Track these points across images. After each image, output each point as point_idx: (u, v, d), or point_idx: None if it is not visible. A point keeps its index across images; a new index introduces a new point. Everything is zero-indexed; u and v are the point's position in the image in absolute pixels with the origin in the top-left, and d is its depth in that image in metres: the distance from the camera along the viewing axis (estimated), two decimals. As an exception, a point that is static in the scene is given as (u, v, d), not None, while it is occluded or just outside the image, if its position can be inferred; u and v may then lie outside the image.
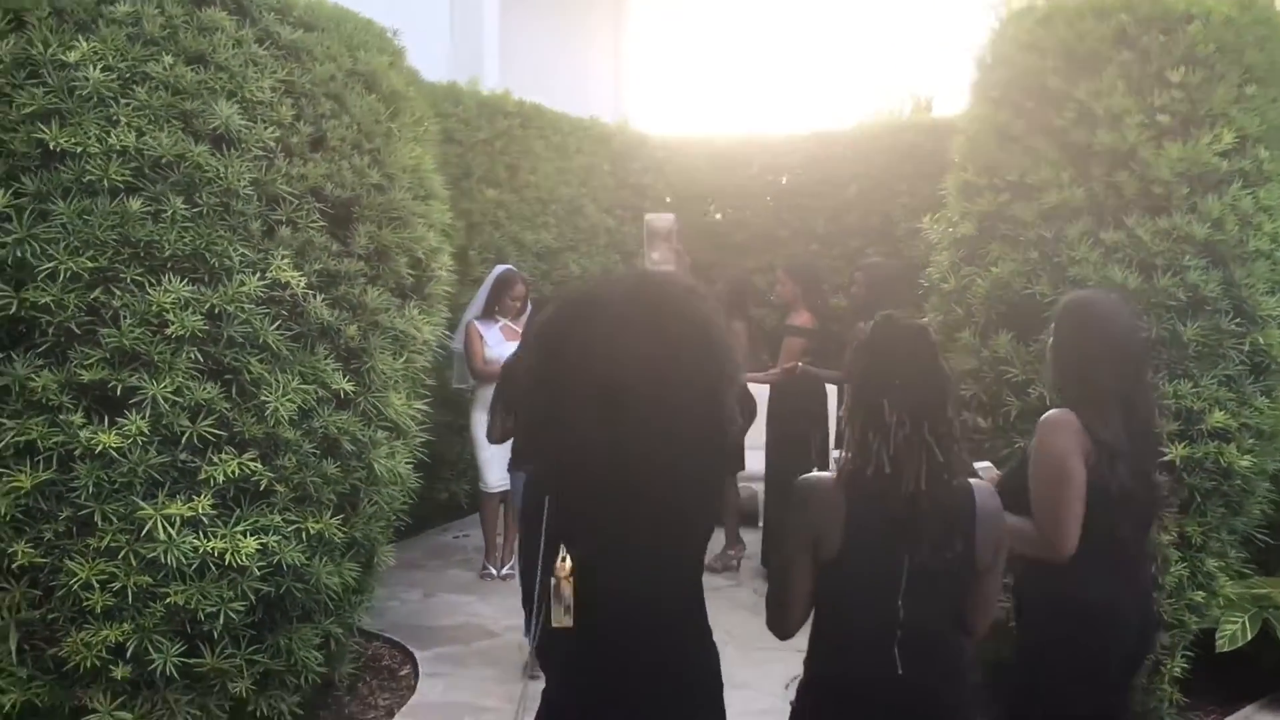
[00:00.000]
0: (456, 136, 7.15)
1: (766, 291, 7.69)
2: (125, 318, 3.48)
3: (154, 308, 3.50)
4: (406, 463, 4.30)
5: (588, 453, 1.83)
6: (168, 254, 3.55)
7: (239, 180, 3.70)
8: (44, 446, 3.40)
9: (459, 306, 6.24)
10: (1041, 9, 4.32)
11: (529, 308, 6.20)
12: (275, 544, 3.68)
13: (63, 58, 3.52)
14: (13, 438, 3.38)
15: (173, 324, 3.51)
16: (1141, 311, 3.82)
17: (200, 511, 3.53)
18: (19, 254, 3.38)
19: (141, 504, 3.47)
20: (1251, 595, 4.35)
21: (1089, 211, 3.99)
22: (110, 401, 3.48)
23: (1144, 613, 2.82)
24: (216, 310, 3.61)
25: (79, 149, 3.48)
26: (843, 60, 13.86)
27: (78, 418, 3.43)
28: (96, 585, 3.43)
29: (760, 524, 6.75)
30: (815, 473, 2.28)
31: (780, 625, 2.27)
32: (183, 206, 3.58)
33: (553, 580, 1.83)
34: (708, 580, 6.16)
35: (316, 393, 3.85)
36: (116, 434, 3.43)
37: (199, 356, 3.57)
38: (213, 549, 3.53)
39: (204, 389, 3.56)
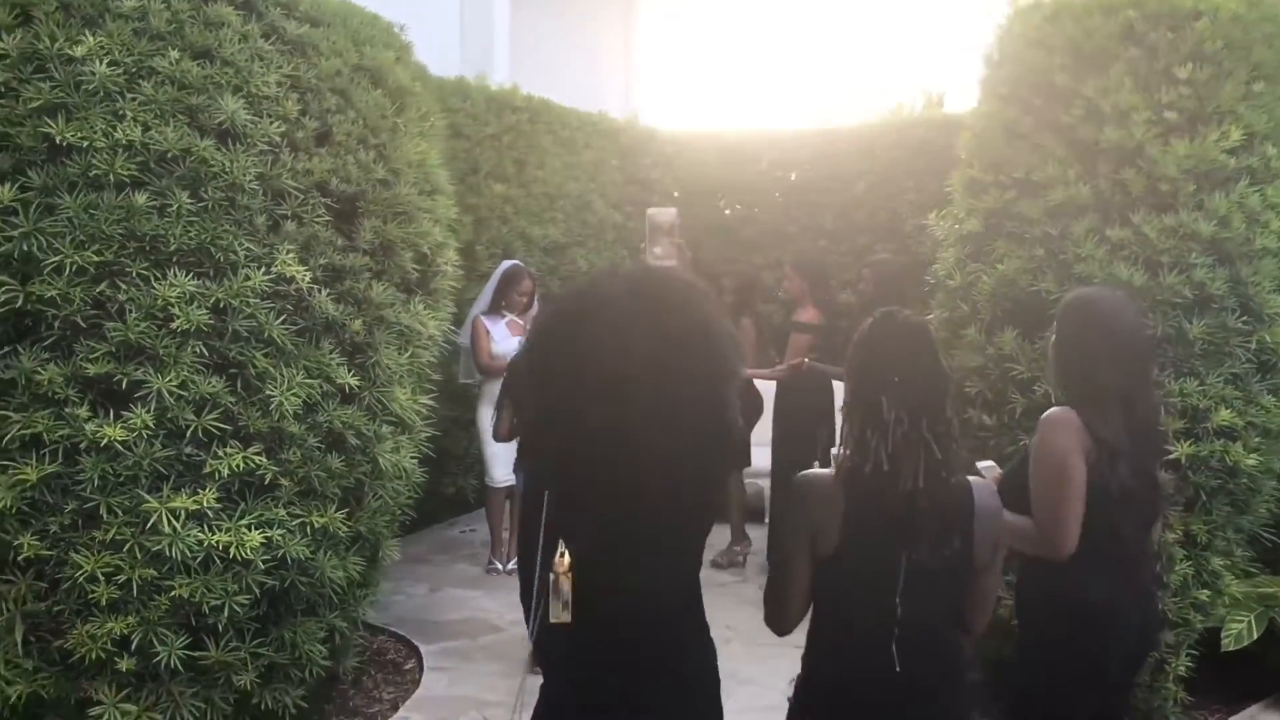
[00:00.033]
0: (464, 131, 7.15)
1: (774, 287, 7.68)
2: (131, 312, 3.49)
3: (159, 302, 3.51)
4: (411, 457, 4.31)
5: (588, 448, 1.83)
6: (173, 248, 3.56)
7: (244, 175, 3.71)
8: (50, 439, 3.41)
9: (466, 302, 6.25)
10: (1049, 6, 4.30)
11: (535, 303, 6.22)
12: (280, 538, 3.69)
13: (69, 52, 3.52)
14: (19, 431, 3.39)
15: (178, 318, 3.52)
16: (1147, 309, 3.81)
17: (205, 505, 3.54)
18: (25, 248, 3.39)
19: (146, 497, 3.48)
20: (1257, 594, 4.33)
21: (1095, 208, 3.98)
22: (116, 395, 3.49)
23: (1145, 612, 2.80)
24: (221, 305, 3.62)
25: (85, 143, 3.48)
26: (853, 56, 13.82)
27: (83, 411, 3.44)
28: (102, 578, 3.44)
29: (766, 520, 6.74)
30: (814, 469, 2.28)
31: (777, 621, 2.27)
32: (188, 201, 3.59)
33: (551, 576, 1.83)
34: (714, 576, 6.18)
35: (321, 387, 3.86)
36: (122, 427, 3.44)
37: (204, 351, 3.58)
38: (217, 542, 3.54)
39: (209, 383, 3.57)
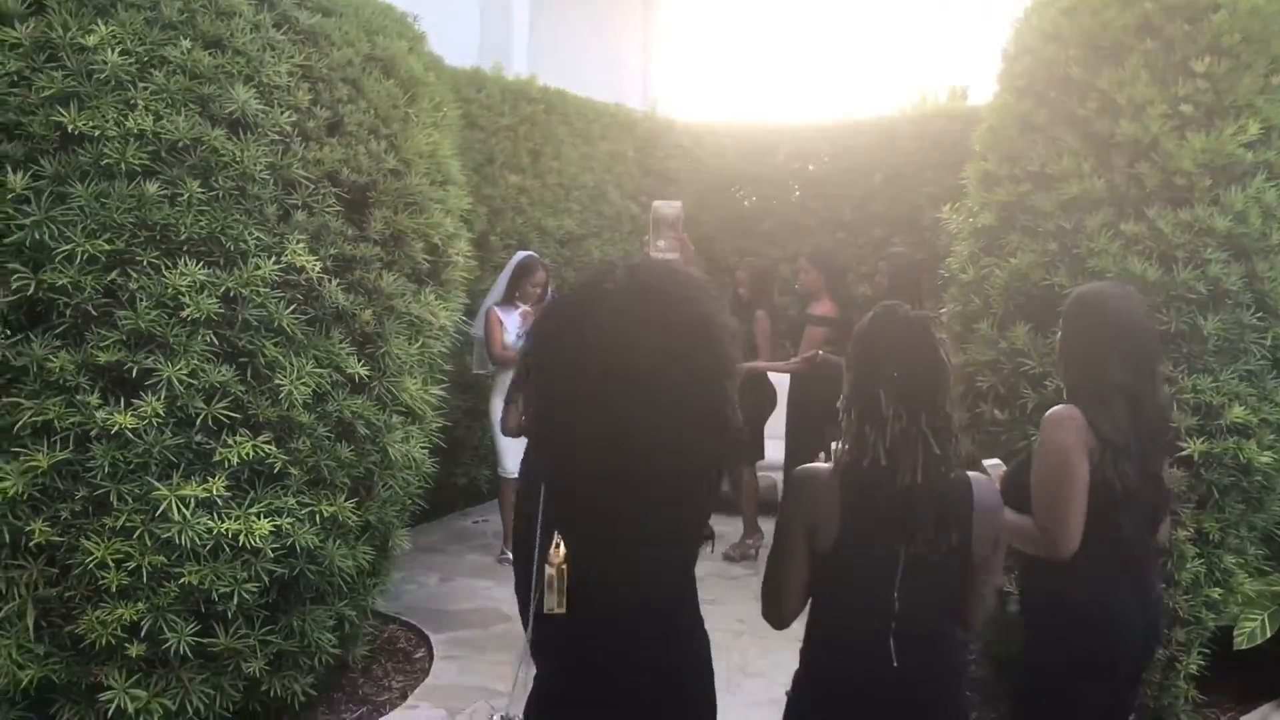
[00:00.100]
0: (479, 122, 7.15)
1: (791, 280, 7.66)
2: (141, 300, 3.51)
3: (170, 290, 3.53)
4: (422, 447, 4.33)
5: (587, 441, 1.83)
6: (184, 237, 3.58)
7: (255, 164, 3.72)
8: (61, 427, 3.44)
9: (480, 293, 6.26)
10: (1066, -1, 4.26)
11: (550, 294, 6.21)
12: (289, 526, 3.71)
13: (82, 41, 3.54)
14: (30, 418, 3.42)
15: (188, 307, 3.54)
16: (1161, 304, 3.78)
17: (215, 493, 3.57)
18: (37, 236, 3.42)
19: (157, 485, 3.51)
20: (1271, 592, 4.29)
21: (1109, 203, 3.94)
22: (126, 383, 3.52)
23: (1149, 613, 2.76)
24: (232, 294, 3.64)
25: (97, 132, 3.50)
26: (875, 49, 13.73)
27: (94, 399, 3.47)
28: (112, 564, 3.48)
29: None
30: (813, 463, 2.27)
31: (775, 615, 2.26)
32: (199, 190, 3.61)
33: (546, 567, 1.83)
34: (726, 569, 6.17)
35: (331, 377, 3.87)
36: (132, 415, 3.47)
37: (214, 339, 3.60)
38: (227, 530, 3.57)
39: (219, 372, 3.59)
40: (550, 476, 1.89)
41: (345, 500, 3.93)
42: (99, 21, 3.59)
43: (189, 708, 3.71)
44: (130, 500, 3.49)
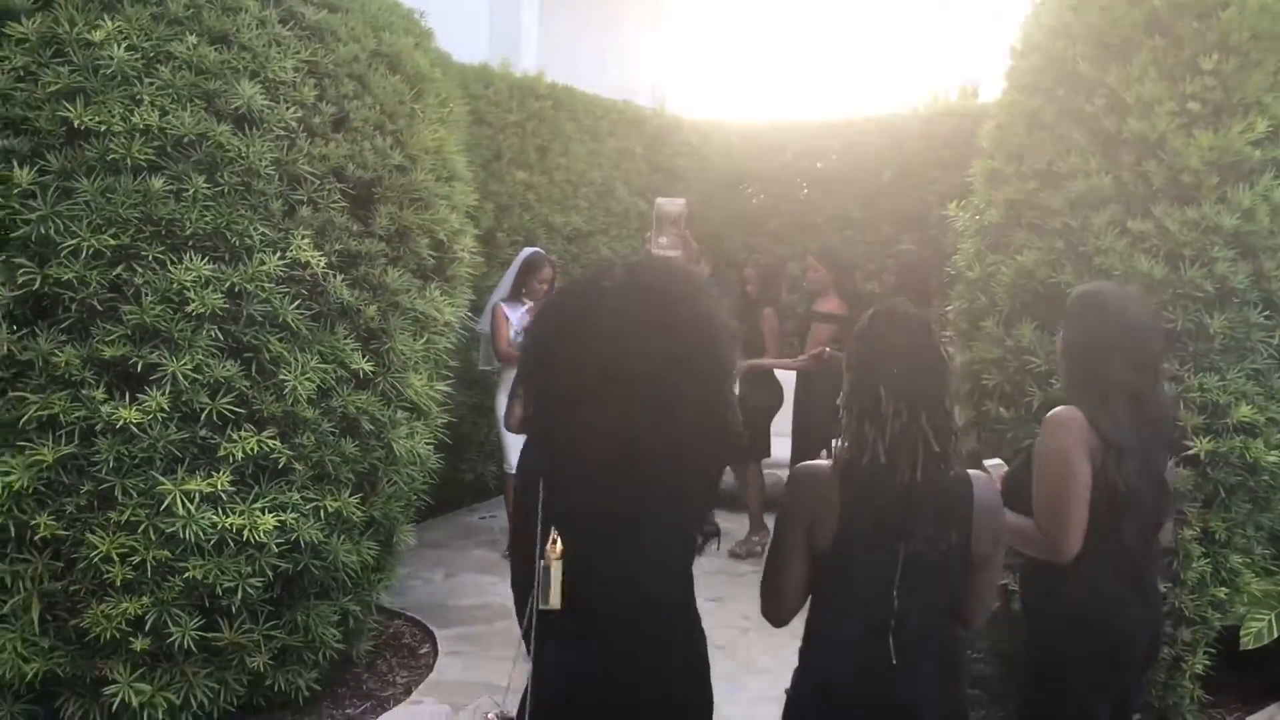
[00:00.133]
0: (487, 118, 7.16)
1: (799, 278, 7.65)
2: (147, 295, 3.52)
3: (175, 285, 3.54)
4: (427, 443, 4.33)
5: (585, 439, 1.83)
6: (189, 232, 3.59)
7: (260, 160, 3.73)
8: (66, 421, 3.46)
9: (486, 289, 6.27)
10: (1074, -6, 4.24)
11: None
12: (293, 521, 3.72)
13: (88, 37, 3.55)
14: (35, 412, 3.44)
15: (193, 302, 3.54)
16: (1168, 302, 3.75)
17: (219, 488, 3.58)
18: (43, 230, 3.43)
19: (161, 479, 3.52)
20: (1277, 592, 4.27)
21: (1116, 200, 3.92)
22: (131, 378, 3.53)
23: (1150, 616, 2.73)
24: (237, 289, 3.64)
25: (103, 127, 3.52)
26: (882, 46, 13.69)
27: (99, 393, 3.48)
28: (116, 558, 3.49)
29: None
30: (812, 461, 2.27)
31: (774, 612, 2.26)
32: (204, 185, 3.61)
33: (542, 563, 1.83)
34: (732, 566, 6.16)
35: (336, 372, 3.88)
36: (137, 410, 3.48)
37: (219, 334, 3.61)
38: (231, 525, 3.58)
39: (224, 367, 3.60)
40: (548, 474, 1.89)
41: (350, 496, 3.93)
42: (105, 17, 3.60)
43: (193, 702, 3.72)
44: (135, 495, 3.51)
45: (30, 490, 3.44)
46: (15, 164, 3.46)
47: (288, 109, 3.85)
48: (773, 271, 7.06)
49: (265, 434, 3.68)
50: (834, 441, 2.22)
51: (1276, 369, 3.83)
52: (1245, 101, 3.84)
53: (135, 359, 3.50)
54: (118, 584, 3.51)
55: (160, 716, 3.67)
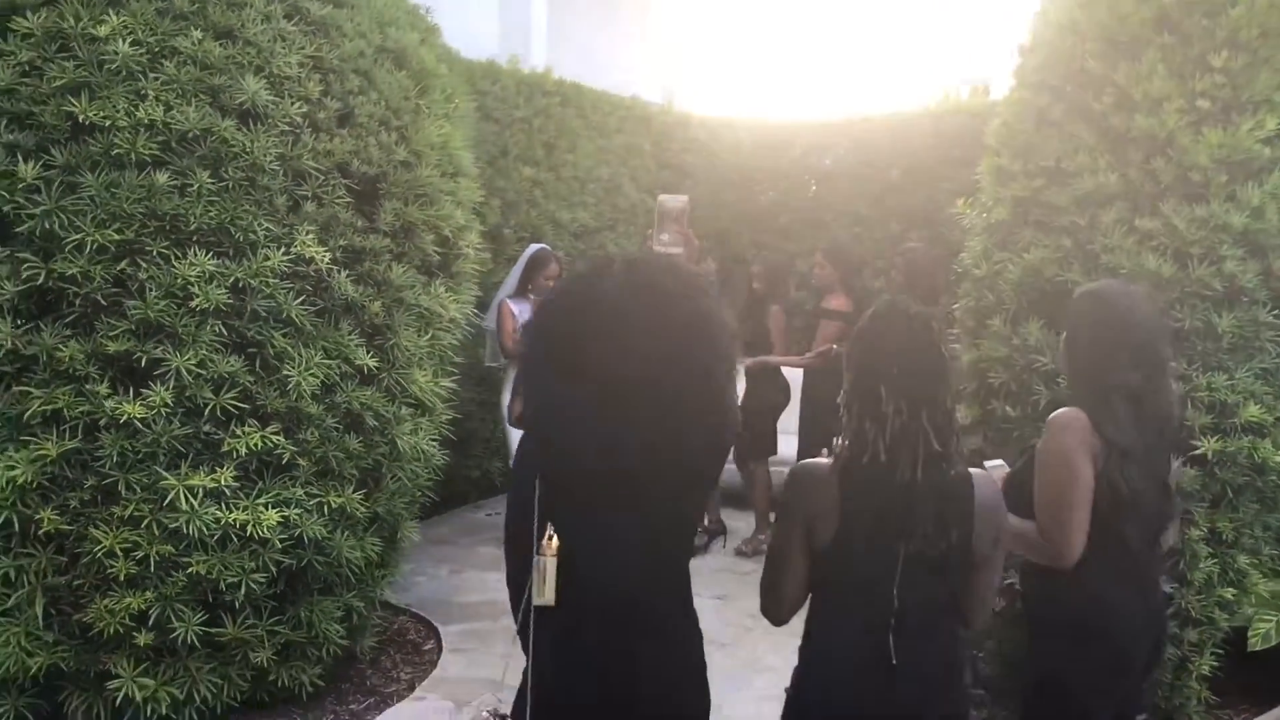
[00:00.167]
0: (494, 115, 7.15)
1: (807, 274, 7.63)
2: (151, 290, 3.52)
3: (179, 281, 3.54)
4: (432, 440, 4.33)
5: (582, 440, 1.81)
6: (193, 227, 3.59)
7: (265, 155, 3.73)
8: (70, 415, 3.47)
9: (493, 285, 6.26)
10: (1082, -10, 4.21)
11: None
12: (297, 517, 3.72)
13: (93, 32, 3.56)
14: (39, 406, 3.44)
15: (197, 297, 3.55)
16: (1175, 301, 3.73)
17: (222, 483, 3.58)
18: (47, 225, 3.44)
19: (165, 474, 3.52)
20: (1286, 593, 4.24)
21: (1124, 198, 3.89)
22: (135, 372, 3.53)
23: (1153, 620, 2.70)
24: (241, 284, 3.64)
25: (107, 122, 3.52)
26: (893, 44, 13.67)
27: (103, 388, 3.48)
28: (120, 553, 3.50)
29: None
30: (812, 458, 2.25)
31: (773, 611, 2.25)
32: (209, 181, 3.61)
33: (538, 558, 1.82)
34: (738, 564, 6.14)
35: (340, 368, 3.88)
36: (141, 405, 3.49)
37: (223, 330, 3.61)
38: (234, 520, 3.58)
39: (227, 362, 3.60)
40: (544, 470, 1.88)
41: (353, 492, 3.94)
42: (110, 12, 3.60)
43: (196, 697, 3.74)
44: (138, 489, 3.51)
45: (34, 485, 3.45)
46: (20, 159, 3.46)
47: (292, 104, 3.84)
48: (780, 268, 7.04)
49: (269, 429, 3.69)
50: (835, 439, 2.20)
51: (1286, 368, 3.80)
52: (1254, 99, 3.81)
53: (139, 354, 3.50)
54: (121, 579, 3.52)
55: (163, 711, 3.68)
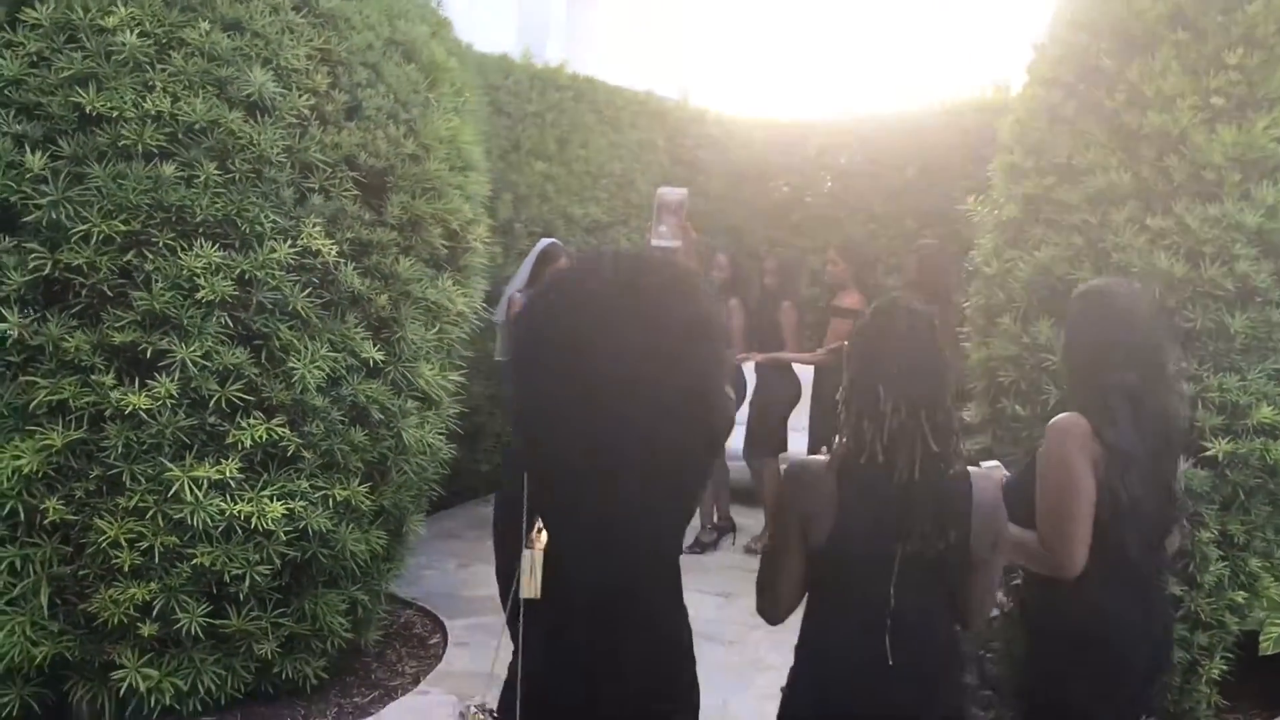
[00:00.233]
0: (506, 109, 7.14)
1: (821, 271, 7.60)
2: (157, 281, 3.53)
3: (185, 272, 3.55)
4: (438, 433, 4.32)
5: (568, 438, 1.80)
6: (199, 219, 3.59)
7: (272, 147, 3.73)
8: (75, 406, 3.48)
9: (504, 280, 6.25)
10: (1098, -14, 4.16)
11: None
12: (302, 509, 3.72)
13: (101, 23, 3.56)
14: (45, 396, 3.45)
15: (203, 289, 3.55)
16: (1187, 301, 3.69)
17: (227, 475, 3.59)
18: (54, 216, 3.45)
19: (169, 465, 3.53)
20: (1298, 597, 4.20)
21: (1136, 196, 3.84)
22: (141, 363, 3.54)
23: (1155, 629, 2.63)
24: (247, 276, 3.65)
25: (115, 113, 3.53)
26: (911, 44, 13.62)
27: (109, 379, 3.49)
28: (125, 544, 3.51)
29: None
30: (808, 455, 2.23)
31: (769, 610, 2.22)
32: (215, 172, 3.62)
33: (526, 551, 1.81)
34: (746, 562, 6.10)
35: (346, 361, 3.88)
36: (146, 396, 3.49)
37: (229, 321, 3.62)
38: (239, 512, 3.59)
39: (233, 354, 3.61)
40: (532, 469, 1.86)
41: (359, 485, 3.93)
42: (118, 3, 3.61)
43: (200, 688, 3.75)
44: (143, 480, 3.52)
45: (40, 475, 3.46)
46: (28, 149, 3.48)
47: (300, 96, 3.84)
48: (793, 265, 7.01)
49: (274, 422, 3.69)
50: (835, 437, 2.18)
51: (1299, 370, 3.75)
52: (1270, 96, 3.76)
53: (145, 345, 3.51)
54: (126, 569, 3.53)
55: (167, 702, 3.70)
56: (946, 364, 2.12)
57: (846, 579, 2.11)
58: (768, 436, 6.44)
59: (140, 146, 3.53)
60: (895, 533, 2.05)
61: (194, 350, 3.53)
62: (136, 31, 3.58)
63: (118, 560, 3.51)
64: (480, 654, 4.77)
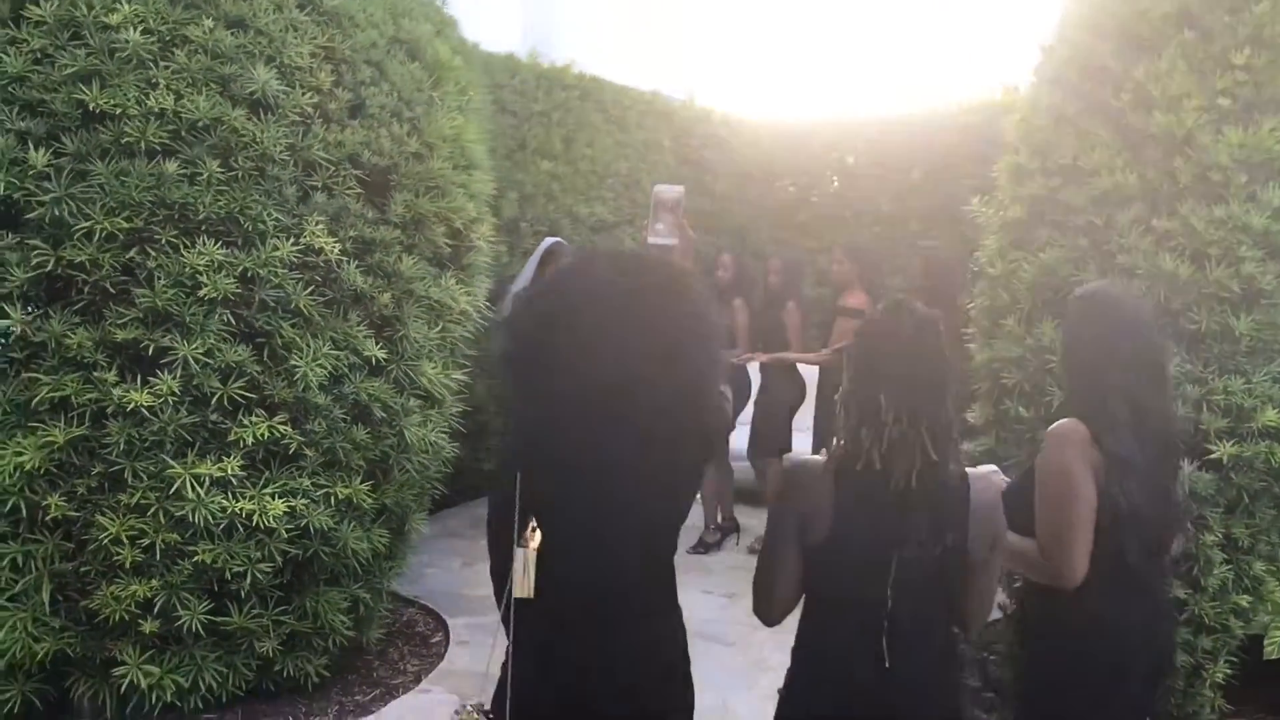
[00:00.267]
0: (511, 108, 7.14)
1: (826, 271, 7.58)
2: (159, 278, 3.53)
3: (188, 269, 3.55)
4: (441, 432, 4.31)
5: (561, 438, 1.79)
6: (202, 216, 3.59)
7: (275, 145, 3.73)
8: (78, 403, 3.48)
9: (509, 279, 6.25)
10: (1104, -13, 4.14)
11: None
12: (303, 507, 3.72)
13: (105, 20, 3.56)
14: (47, 393, 3.46)
15: (206, 286, 3.55)
16: (1192, 303, 3.67)
17: (229, 472, 3.59)
18: (57, 213, 3.45)
19: (171, 463, 3.53)
20: (1303, 601, 4.17)
21: (1141, 198, 3.83)
22: (143, 361, 3.55)
23: (1155, 636, 2.61)
24: (249, 274, 3.65)
25: (118, 110, 3.53)
26: (920, 46, 13.58)
27: (111, 375, 3.50)
28: (126, 541, 3.51)
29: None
30: (806, 455, 2.21)
31: (764, 610, 2.21)
32: (218, 170, 3.62)
33: (519, 550, 1.80)
34: (749, 562, 6.10)
35: (348, 359, 3.88)
36: (148, 393, 3.50)
37: (231, 319, 3.62)
38: (241, 510, 3.59)
39: (235, 351, 3.60)
40: (526, 469, 1.84)
41: (361, 483, 3.93)
42: (122, 0, 3.60)
43: (201, 685, 3.75)
44: (145, 477, 3.53)
45: (42, 471, 3.47)
46: (31, 146, 3.48)
47: (303, 94, 3.84)
48: (797, 265, 7.00)
49: (276, 419, 3.69)
50: (834, 439, 2.16)
51: (1304, 373, 3.73)
52: (1277, 98, 3.74)
53: (147, 342, 3.51)
54: (127, 566, 3.53)
55: (169, 699, 3.70)
56: (948, 370, 2.09)
57: (843, 580, 2.09)
58: (772, 437, 6.43)
59: (143, 144, 3.53)
60: (891, 539, 2.04)
61: (196, 347, 3.53)
62: (140, 29, 3.58)
63: (119, 557, 3.51)
64: (482, 653, 4.75)
